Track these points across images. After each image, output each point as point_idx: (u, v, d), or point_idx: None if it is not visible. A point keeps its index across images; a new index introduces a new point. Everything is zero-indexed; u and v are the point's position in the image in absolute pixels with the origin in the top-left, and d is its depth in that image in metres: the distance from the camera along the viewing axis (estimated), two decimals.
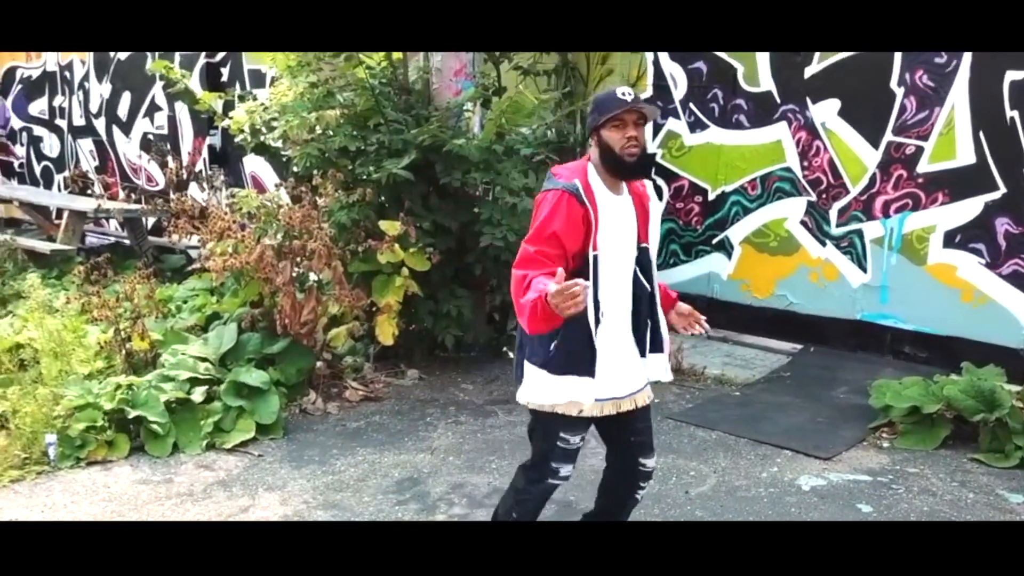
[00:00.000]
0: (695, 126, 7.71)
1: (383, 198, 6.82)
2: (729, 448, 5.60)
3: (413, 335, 7.10)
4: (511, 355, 7.44)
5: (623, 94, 3.34)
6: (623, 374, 3.49)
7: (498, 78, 7.68)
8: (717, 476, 5.18)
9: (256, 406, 5.74)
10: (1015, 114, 6.20)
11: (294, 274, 6.26)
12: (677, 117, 7.83)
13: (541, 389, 3.47)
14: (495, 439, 5.76)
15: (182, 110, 11.56)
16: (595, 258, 3.34)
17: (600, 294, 3.37)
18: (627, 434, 3.65)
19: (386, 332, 6.47)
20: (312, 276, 6.45)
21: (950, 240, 6.61)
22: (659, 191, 8.01)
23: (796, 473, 5.25)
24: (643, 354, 3.53)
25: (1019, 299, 6.36)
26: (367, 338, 6.93)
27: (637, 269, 3.50)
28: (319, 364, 6.51)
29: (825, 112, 7.04)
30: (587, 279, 3.23)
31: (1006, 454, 5.42)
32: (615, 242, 3.41)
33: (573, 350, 3.36)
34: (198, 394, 5.68)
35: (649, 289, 3.53)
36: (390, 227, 6.37)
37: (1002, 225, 6.38)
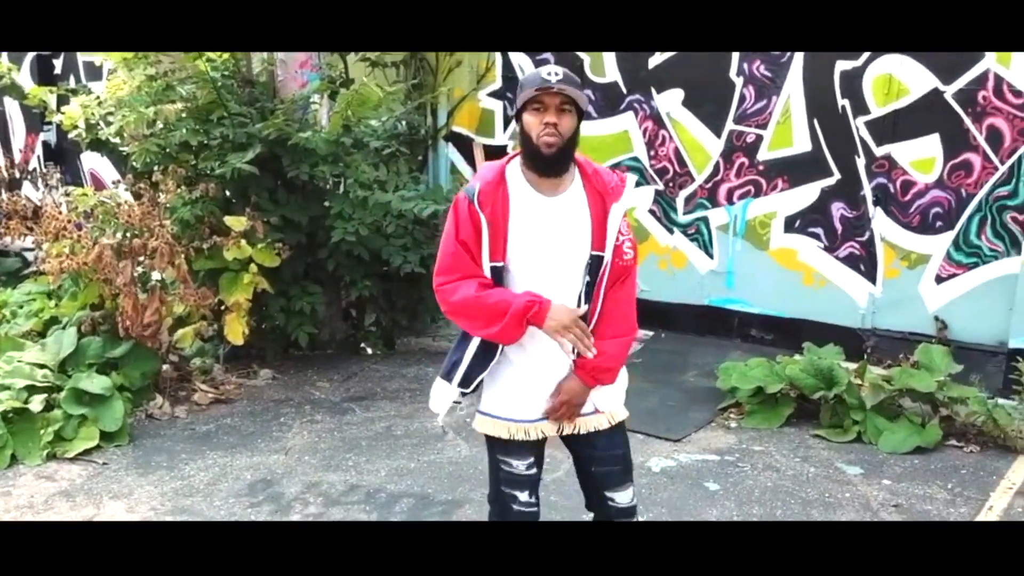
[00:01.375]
0: None
1: (228, 193, 6.75)
2: None
3: (265, 334, 7.05)
4: (369, 351, 7.48)
5: (548, 74, 2.96)
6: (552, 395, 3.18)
7: (345, 70, 7.67)
8: (571, 461, 5.32)
9: (99, 413, 5.62)
10: (846, 102, 6.57)
11: (136, 274, 6.12)
12: None
13: (433, 392, 3.27)
14: (352, 436, 5.79)
15: (12, 105, 11.14)
16: (498, 270, 3.04)
17: None
18: (586, 462, 3.32)
19: (236, 331, 6.40)
20: (155, 275, 6.33)
21: (790, 225, 6.95)
22: None
23: (647, 456, 5.45)
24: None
25: (855, 280, 6.74)
26: (216, 338, 6.84)
27: (588, 281, 3.10)
28: (165, 367, 6.41)
29: (669, 102, 7.30)
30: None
31: (844, 429, 5.75)
32: (542, 250, 3.05)
33: (454, 356, 3.18)
34: (36, 403, 5.52)
35: (584, 306, 3.13)
36: (236, 223, 6.31)
37: (838, 210, 6.74)
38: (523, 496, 3.25)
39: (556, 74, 2.96)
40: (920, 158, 6.39)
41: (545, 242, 3.05)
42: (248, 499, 4.90)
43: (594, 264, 3.09)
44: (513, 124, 7.97)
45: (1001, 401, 5.76)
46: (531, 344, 3.11)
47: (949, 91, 6.20)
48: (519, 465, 3.23)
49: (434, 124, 8.40)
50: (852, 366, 6.02)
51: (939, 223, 6.38)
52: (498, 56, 8.03)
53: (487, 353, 3.13)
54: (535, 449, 3.25)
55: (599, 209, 3.08)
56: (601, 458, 3.27)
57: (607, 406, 3.25)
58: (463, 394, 3.24)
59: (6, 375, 5.69)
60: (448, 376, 3.20)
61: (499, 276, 3.06)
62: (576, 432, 3.22)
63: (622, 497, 3.30)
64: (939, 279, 6.45)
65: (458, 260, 3.07)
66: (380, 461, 5.39)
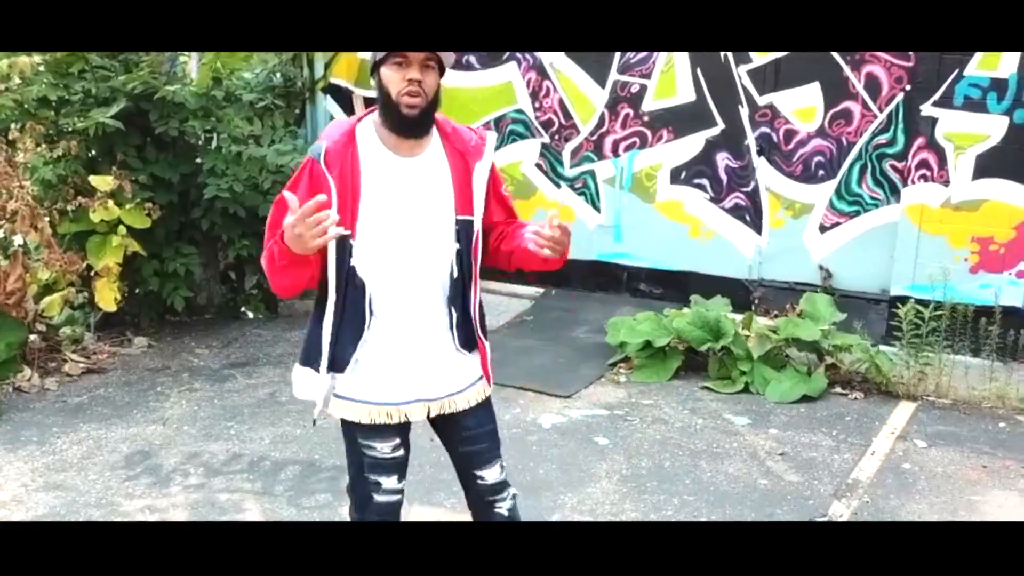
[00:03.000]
0: None
1: (93, 151, 6.58)
2: None
3: (139, 299, 6.92)
4: (251, 315, 7.40)
5: None
6: (424, 372, 2.98)
7: None
8: None
9: None
10: (728, 51, 6.72)
11: None
12: None
13: (294, 380, 3.10)
14: (233, 404, 5.74)
15: None
16: (345, 240, 2.82)
17: (372, 283, 2.88)
18: (455, 443, 3.15)
19: (107, 297, 6.28)
20: (17, 240, 6.15)
21: (676, 177, 7.11)
22: None
23: (537, 413, 5.56)
24: (460, 350, 3.04)
25: (742, 231, 6.94)
26: (87, 305, 6.69)
27: (459, 248, 2.92)
28: (33, 337, 6.24)
29: (552, 52, 7.33)
30: (339, 267, 2.85)
31: (732, 380, 5.95)
32: (399, 216, 2.86)
33: (310, 340, 2.98)
34: None
35: (465, 273, 2.95)
36: (101, 182, 6.16)
37: (723, 160, 6.92)
38: (388, 482, 3.05)
39: None
40: (801, 107, 6.60)
41: (402, 208, 2.86)
42: (125, 472, 4.83)
43: (464, 229, 2.93)
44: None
45: (883, 348, 6.03)
46: (396, 322, 2.93)
47: None
48: (384, 447, 3.02)
49: (311, 76, 8.27)
50: (739, 317, 6.21)
51: (821, 172, 6.61)
52: None
53: (355, 332, 2.92)
54: (400, 431, 3.05)
55: (461, 170, 2.93)
56: (470, 437, 3.12)
57: (473, 387, 3.10)
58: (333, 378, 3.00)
59: None
60: (311, 363, 3.01)
61: (346, 247, 2.84)
62: (443, 413, 3.06)
63: (490, 475, 3.14)
64: (823, 228, 6.69)
65: (278, 219, 2.79)
66: (263, 429, 5.37)
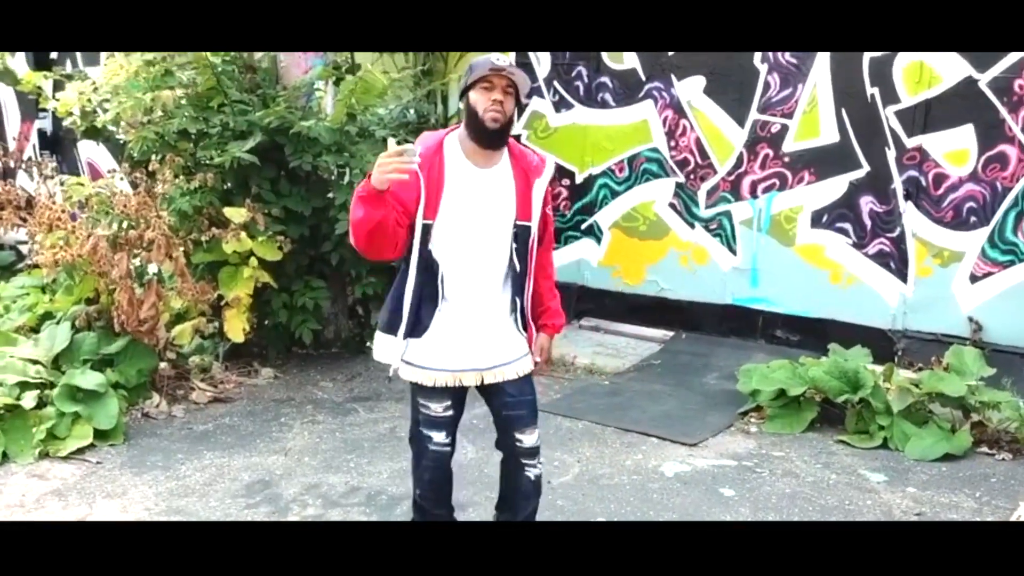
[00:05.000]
0: (560, 105, 7.98)
1: (228, 184, 6.86)
2: (595, 437, 5.87)
3: (267, 331, 7.17)
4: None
5: (497, 59, 3.49)
6: (479, 347, 3.71)
7: (351, 55, 7.78)
8: (581, 465, 5.44)
9: (93, 411, 5.73)
10: (875, 91, 6.64)
11: (132, 266, 6.24)
12: (541, 96, 8.08)
13: (376, 344, 3.79)
14: (355, 437, 5.90)
15: (6, 91, 11.30)
16: (426, 227, 3.56)
17: (445, 267, 3.62)
18: (499, 407, 3.83)
19: (236, 328, 6.52)
20: (152, 268, 6.45)
21: (817, 220, 7.03)
22: None
23: (661, 460, 5.55)
24: (518, 330, 3.81)
25: (885, 279, 6.81)
26: (216, 335, 6.97)
27: (517, 247, 3.68)
28: (163, 364, 6.52)
29: (690, 90, 7.38)
30: (420, 249, 3.57)
31: (870, 434, 5.82)
32: (471, 216, 3.58)
33: (392, 309, 3.70)
34: (29, 399, 5.64)
35: (520, 269, 3.71)
36: (235, 214, 6.42)
37: (867, 204, 6.81)
38: (438, 437, 3.80)
39: (503, 59, 3.51)
40: (953, 150, 6.45)
41: (474, 207, 3.59)
42: (245, 500, 5.02)
43: (521, 233, 3.69)
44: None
45: None
46: (462, 302, 3.67)
47: (983, 79, 6.26)
48: (437, 408, 3.77)
49: (444, 112, 8.50)
50: (879, 368, 6.08)
51: (973, 219, 6.45)
52: None
53: (430, 307, 3.66)
54: (453, 395, 3.77)
55: (523, 184, 3.67)
56: (512, 403, 3.80)
57: (519, 361, 3.81)
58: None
59: None
60: (392, 330, 3.71)
61: (428, 233, 3.58)
62: (494, 382, 3.76)
63: (528, 439, 3.83)
64: (973, 278, 6.51)
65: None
66: (382, 463, 5.51)
